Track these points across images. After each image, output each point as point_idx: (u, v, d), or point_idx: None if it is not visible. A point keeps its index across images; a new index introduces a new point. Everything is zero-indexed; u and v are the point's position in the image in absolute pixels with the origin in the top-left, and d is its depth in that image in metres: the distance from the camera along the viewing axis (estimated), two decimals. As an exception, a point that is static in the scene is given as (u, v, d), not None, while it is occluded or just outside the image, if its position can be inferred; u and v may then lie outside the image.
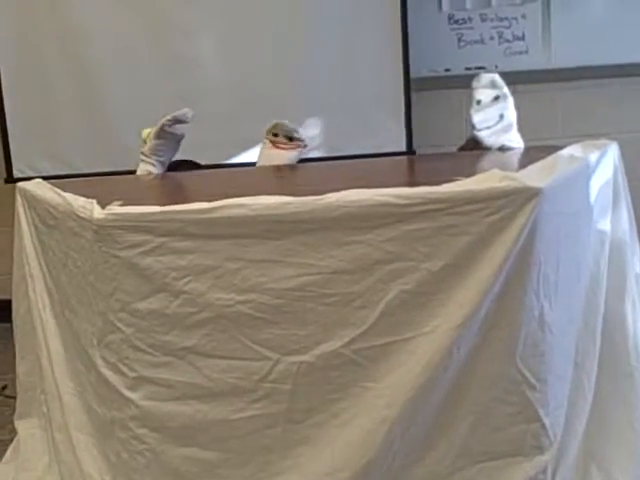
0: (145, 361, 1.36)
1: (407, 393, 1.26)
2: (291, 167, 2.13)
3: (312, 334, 1.30)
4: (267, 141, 2.16)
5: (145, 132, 2.20)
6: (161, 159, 2.20)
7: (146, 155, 2.18)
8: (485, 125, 2.03)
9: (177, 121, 2.12)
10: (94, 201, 1.39)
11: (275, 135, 2.13)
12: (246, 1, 3.78)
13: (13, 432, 1.90)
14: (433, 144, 3.92)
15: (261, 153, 2.18)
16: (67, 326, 1.60)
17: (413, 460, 1.32)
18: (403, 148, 3.90)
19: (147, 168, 2.19)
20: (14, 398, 1.93)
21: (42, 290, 1.71)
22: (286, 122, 2.14)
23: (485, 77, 2.08)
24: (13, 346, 1.88)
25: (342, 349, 1.29)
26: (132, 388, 1.38)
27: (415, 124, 3.93)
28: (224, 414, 1.34)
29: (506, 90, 2.07)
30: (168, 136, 2.16)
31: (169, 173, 2.17)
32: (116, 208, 1.35)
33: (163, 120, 2.13)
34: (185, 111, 2.10)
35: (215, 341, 1.32)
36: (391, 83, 3.85)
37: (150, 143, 2.17)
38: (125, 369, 1.38)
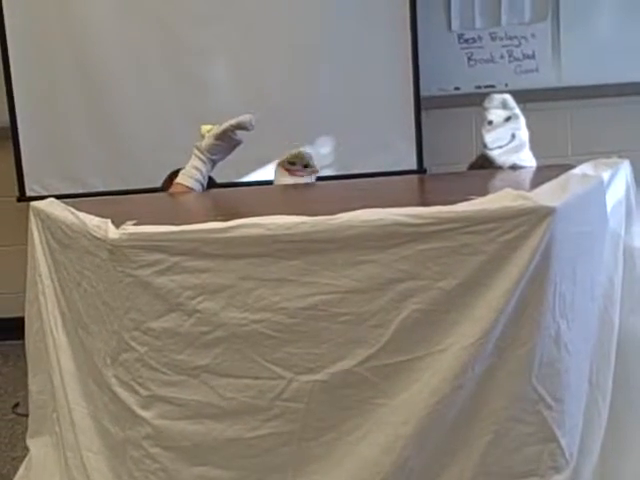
0: (159, 380, 1.36)
1: (421, 411, 1.26)
2: (303, 186, 2.13)
3: (326, 353, 1.30)
4: (280, 168, 2.17)
5: (205, 128, 2.21)
6: (214, 157, 2.22)
7: (200, 151, 2.20)
8: (497, 145, 2.03)
9: (239, 127, 2.13)
10: (109, 221, 1.40)
11: (292, 163, 2.14)
12: (259, 21, 3.81)
13: (25, 450, 1.90)
14: (443, 162, 3.94)
15: (277, 180, 2.19)
16: (80, 345, 1.60)
17: (428, 478, 1.31)
18: (414, 166, 3.91)
19: (196, 164, 2.20)
20: (26, 416, 1.93)
21: (54, 308, 1.71)
22: (305, 151, 2.15)
23: (496, 98, 2.08)
24: (25, 364, 1.88)
25: (356, 368, 1.29)
26: (145, 407, 1.38)
27: (425, 142, 3.95)
28: (238, 433, 1.34)
29: (518, 110, 2.07)
30: (228, 139, 2.17)
31: (182, 192, 2.18)
32: (130, 228, 1.36)
33: (227, 124, 2.14)
34: (249, 118, 2.11)
35: (229, 360, 1.32)
36: (401, 102, 3.87)
37: (208, 141, 2.19)
38: (139, 388, 1.38)
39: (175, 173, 2.47)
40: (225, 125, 2.15)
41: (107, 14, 3.81)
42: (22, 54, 3.83)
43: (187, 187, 2.19)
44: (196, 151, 2.21)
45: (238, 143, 2.20)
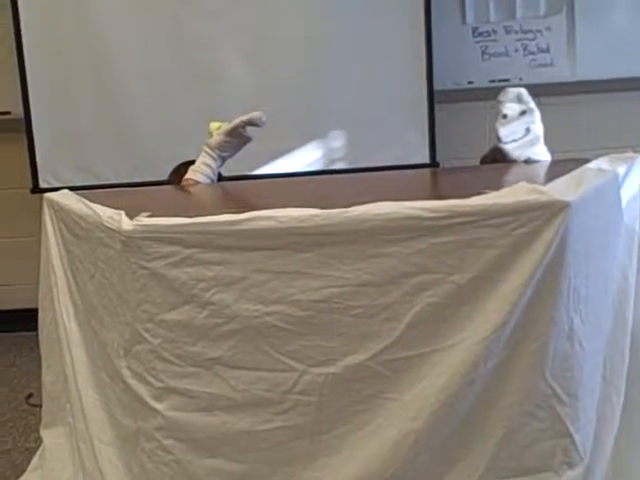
0: (172, 372, 1.37)
1: (433, 405, 1.26)
2: (316, 179, 2.13)
3: (338, 346, 1.30)
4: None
5: (214, 125, 2.22)
6: (224, 154, 2.23)
7: (211, 148, 2.21)
8: (511, 138, 2.02)
9: (250, 123, 2.14)
10: (122, 212, 1.40)
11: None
12: (271, 15, 3.81)
13: (39, 440, 1.91)
14: (456, 156, 3.92)
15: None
16: (92, 336, 1.61)
17: (439, 473, 1.31)
18: (427, 160, 3.90)
19: (206, 161, 2.21)
20: (39, 407, 1.94)
21: (67, 300, 1.72)
22: None
23: (511, 91, 2.07)
24: (39, 355, 1.89)
25: (368, 361, 1.29)
26: (158, 398, 1.38)
27: (438, 136, 3.93)
28: (250, 425, 1.34)
29: (533, 104, 2.06)
30: (238, 136, 2.18)
31: (195, 185, 2.18)
32: (144, 219, 1.36)
33: (237, 120, 2.15)
34: (259, 114, 2.12)
35: (242, 352, 1.32)
36: (415, 95, 3.86)
37: (218, 138, 2.20)
38: (152, 379, 1.38)
39: (181, 166, 2.48)
40: (236, 121, 2.16)
41: (121, 7, 3.81)
42: (36, 47, 3.84)
43: (197, 183, 2.19)
44: (206, 148, 2.22)
45: (248, 140, 2.21)
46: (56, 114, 3.90)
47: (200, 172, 2.20)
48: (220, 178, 2.38)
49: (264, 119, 2.12)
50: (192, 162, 2.35)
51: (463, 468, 1.31)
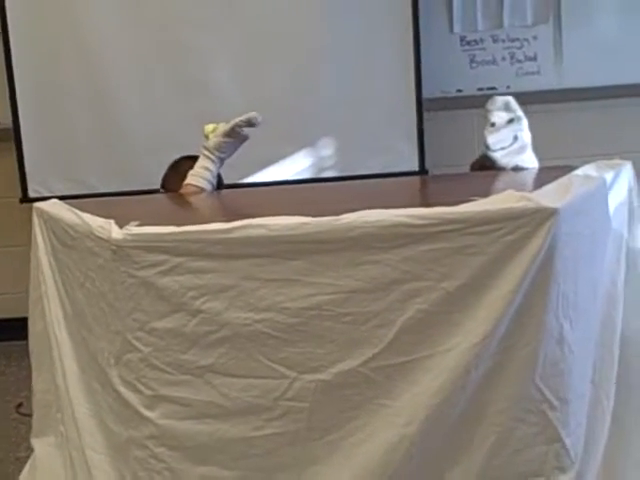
0: (163, 380, 1.36)
1: (425, 411, 1.26)
2: (306, 187, 2.14)
3: (329, 352, 1.30)
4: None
5: (209, 127, 2.23)
6: (222, 156, 2.23)
7: (209, 151, 2.21)
8: (499, 146, 2.03)
9: (248, 124, 2.15)
10: (112, 221, 1.40)
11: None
12: (262, 25, 3.83)
13: (29, 450, 1.91)
14: (445, 164, 3.94)
15: None
16: (83, 345, 1.60)
17: (432, 479, 1.32)
18: (416, 168, 3.92)
19: (206, 164, 2.22)
20: (30, 416, 1.94)
21: (58, 309, 1.72)
22: None
23: (499, 100, 2.08)
24: (28, 364, 1.89)
25: (359, 367, 1.29)
26: (150, 407, 1.38)
27: (427, 144, 3.95)
28: (242, 432, 1.34)
29: (520, 113, 2.08)
30: (236, 136, 2.19)
31: (195, 191, 2.18)
32: (134, 228, 1.36)
33: (235, 120, 2.16)
34: (255, 114, 2.14)
35: (233, 360, 1.32)
36: (403, 104, 3.88)
37: (216, 140, 2.20)
38: (143, 388, 1.38)
39: (180, 160, 2.49)
40: (234, 122, 2.17)
41: (110, 17, 3.82)
42: (24, 56, 3.84)
43: (198, 187, 2.19)
44: (205, 151, 2.22)
45: (246, 138, 2.22)
46: (45, 124, 3.90)
47: (200, 176, 2.21)
48: (221, 184, 2.38)
49: (260, 119, 2.15)
50: (190, 157, 2.36)
51: (455, 474, 1.32)
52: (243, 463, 1.36)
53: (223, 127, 2.19)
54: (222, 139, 2.19)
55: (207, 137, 2.22)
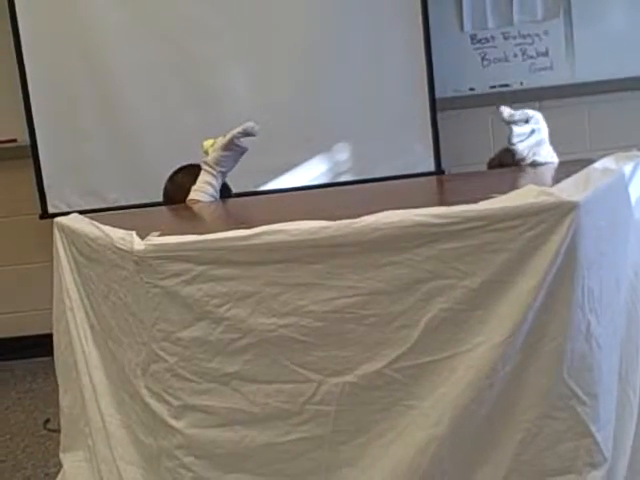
0: (189, 389, 1.37)
1: (452, 410, 1.26)
2: (324, 192, 2.14)
3: (354, 355, 1.30)
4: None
5: (207, 143, 2.23)
6: (223, 169, 2.23)
7: (210, 166, 2.22)
8: (518, 140, 2.02)
9: (245, 134, 2.15)
10: (134, 232, 1.41)
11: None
12: (271, 30, 3.84)
13: (58, 465, 1.92)
14: (461, 163, 3.93)
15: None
16: (111, 357, 1.61)
17: (462, 478, 1.31)
18: (432, 168, 3.92)
19: (207, 179, 2.22)
20: (58, 431, 1.95)
21: (84, 322, 1.73)
22: None
23: (518, 114, 2.06)
24: (54, 380, 1.90)
25: (384, 369, 1.29)
26: (177, 417, 1.39)
27: (442, 144, 3.95)
28: (270, 438, 1.34)
29: (532, 112, 2.07)
30: (235, 148, 2.19)
31: (200, 203, 2.19)
32: (155, 239, 1.37)
33: (233, 132, 2.16)
34: (252, 124, 2.14)
35: (258, 366, 1.32)
36: (417, 104, 3.88)
37: (215, 154, 2.20)
38: (170, 398, 1.39)
39: (178, 172, 2.50)
40: (231, 134, 2.17)
41: (122, 31, 3.85)
42: (39, 73, 3.87)
43: (201, 203, 2.20)
44: (205, 166, 2.22)
45: (244, 150, 2.22)
46: (62, 139, 3.93)
47: (202, 191, 2.21)
48: (229, 194, 2.39)
49: (257, 128, 2.14)
50: (188, 167, 2.37)
51: (485, 472, 1.31)
52: (272, 469, 1.36)
53: (221, 141, 2.19)
54: (221, 153, 2.19)
55: (206, 152, 2.23)
